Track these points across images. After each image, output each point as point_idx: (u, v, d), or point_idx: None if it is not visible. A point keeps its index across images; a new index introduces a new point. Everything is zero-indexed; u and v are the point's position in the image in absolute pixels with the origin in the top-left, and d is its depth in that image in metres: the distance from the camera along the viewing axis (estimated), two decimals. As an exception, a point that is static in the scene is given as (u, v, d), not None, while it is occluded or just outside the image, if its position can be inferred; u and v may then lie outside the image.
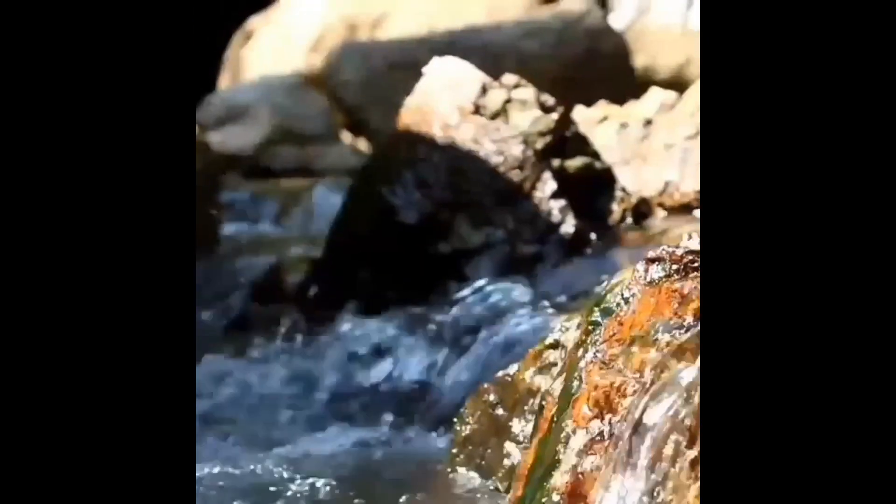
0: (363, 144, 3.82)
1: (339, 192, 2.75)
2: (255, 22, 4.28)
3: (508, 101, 1.78)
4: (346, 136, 3.87)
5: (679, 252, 1.00)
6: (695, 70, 3.48)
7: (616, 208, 1.74)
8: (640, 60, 3.99)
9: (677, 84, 3.98)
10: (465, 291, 1.63)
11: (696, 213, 1.76)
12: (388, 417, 1.45)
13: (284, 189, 3.05)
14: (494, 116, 1.77)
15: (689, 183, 1.79)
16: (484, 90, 1.80)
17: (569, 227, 1.67)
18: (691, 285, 0.92)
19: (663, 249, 1.01)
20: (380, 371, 1.56)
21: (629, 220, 1.74)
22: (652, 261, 1.01)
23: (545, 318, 1.49)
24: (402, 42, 3.73)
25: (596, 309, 1.03)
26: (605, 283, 1.55)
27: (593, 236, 1.69)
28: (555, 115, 1.78)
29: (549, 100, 1.80)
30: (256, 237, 2.58)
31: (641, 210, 1.75)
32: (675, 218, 1.76)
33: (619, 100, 3.67)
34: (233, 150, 3.46)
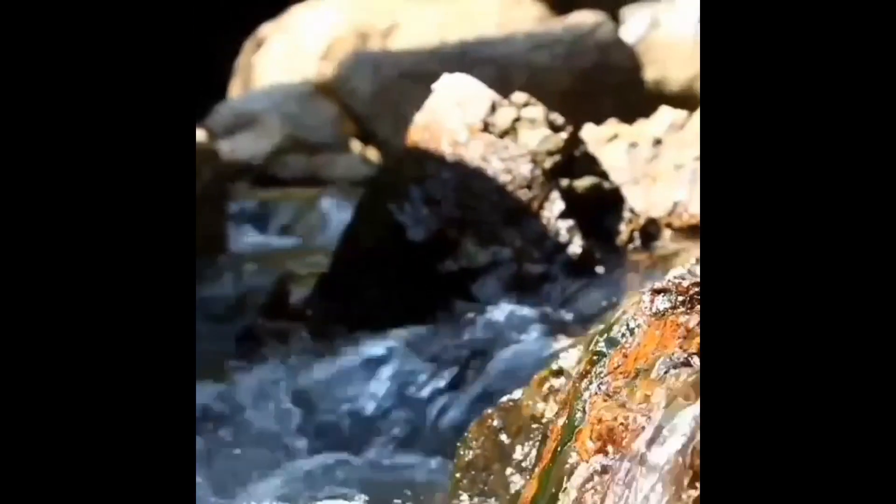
0: (373, 154, 3.82)
1: (347, 202, 2.76)
2: (267, 29, 4.29)
3: (517, 119, 1.78)
4: (356, 145, 3.87)
5: (685, 283, 0.99)
6: (706, 84, 3.47)
7: (624, 229, 1.74)
8: (651, 73, 3.98)
9: (688, 97, 3.98)
10: (472, 311, 1.63)
11: (705, 234, 1.75)
12: (392, 439, 1.45)
13: (293, 198, 3.05)
14: (503, 135, 1.77)
15: (697, 204, 1.78)
16: (493, 108, 1.80)
17: (576, 247, 1.67)
18: (697, 319, 0.91)
19: (669, 280, 1.01)
20: (384, 392, 1.55)
21: (637, 241, 1.73)
22: (657, 292, 1.01)
23: (551, 340, 1.49)
24: (413, 52, 3.74)
25: (600, 339, 1.03)
26: (611, 309, 1.55)
27: (600, 257, 1.69)
28: (564, 135, 1.78)
29: (559, 119, 1.80)
30: (265, 248, 2.58)
31: (649, 231, 1.75)
32: (683, 240, 1.75)
33: (630, 112, 3.67)
34: (242, 158, 3.47)
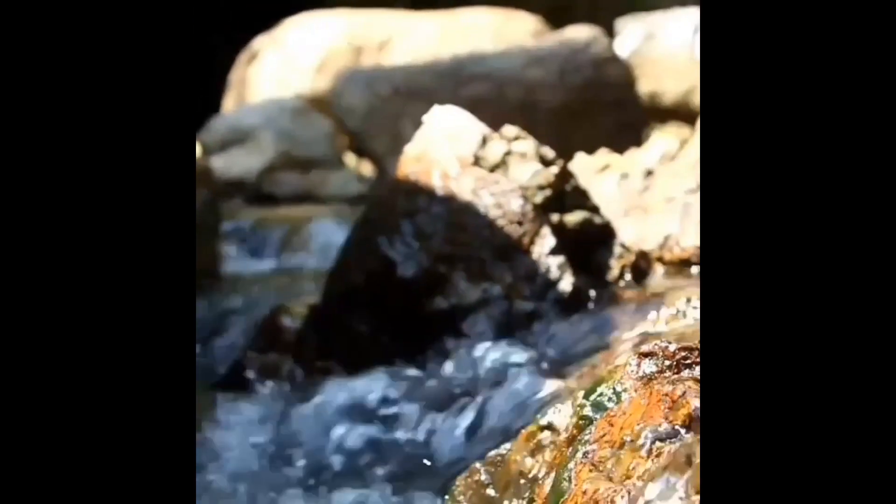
0: (367, 169, 3.82)
1: (341, 224, 2.75)
2: (261, 42, 4.28)
3: (508, 153, 1.77)
4: (351, 159, 3.87)
5: (672, 348, 0.99)
6: (700, 100, 3.46)
7: (615, 265, 1.73)
8: (645, 87, 3.98)
9: (684, 110, 3.98)
10: (462, 349, 1.62)
11: (695, 269, 1.75)
12: (378, 483, 1.44)
13: (287, 218, 3.05)
14: (494, 168, 1.77)
15: (689, 237, 1.78)
16: (484, 141, 1.79)
17: (567, 284, 1.66)
18: (683, 388, 0.91)
19: (656, 344, 1.01)
20: (374, 431, 1.55)
21: (628, 276, 1.73)
22: (644, 355, 1.00)
23: (541, 381, 1.48)
24: (408, 68, 3.73)
25: (587, 402, 1.02)
26: (602, 348, 1.55)
27: (591, 294, 1.68)
28: (554, 169, 1.77)
29: (549, 153, 1.79)
30: (257, 273, 2.57)
31: (640, 266, 1.74)
32: (674, 275, 1.75)
33: (624, 130, 3.67)
34: (236, 175, 3.47)
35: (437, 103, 3.63)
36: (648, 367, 0.99)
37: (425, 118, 1.87)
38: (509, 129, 1.81)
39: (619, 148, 3.29)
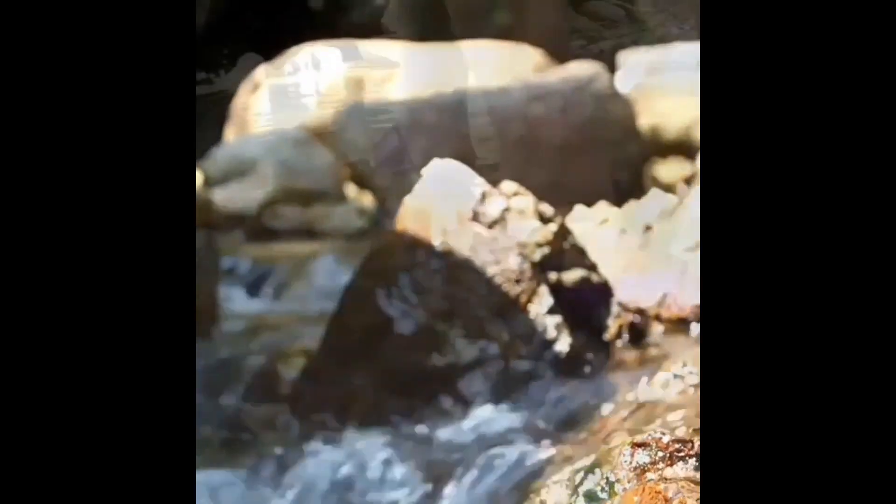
0: (369, 201, 3.82)
1: (342, 263, 2.75)
2: (263, 72, 4.29)
3: (507, 209, 1.77)
4: (352, 192, 3.87)
5: (665, 440, 0.98)
6: (702, 138, 3.46)
7: (612, 324, 1.73)
8: (647, 120, 3.99)
9: (685, 145, 3.97)
10: (459, 410, 1.62)
11: (693, 327, 1.74)
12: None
13: (287, 255, 3.04)
14: (492, 225, 1.76)
15: (687, 296, 1.77)
16: (483, 197, 1.79)
17: (564, 345, 1.66)
18: (676, 488, 0.90)
19: (650, 435, 1.00)
20: (368, 493, 1.54)
21: (625, 336, 1.72)
22: (638, 445, 1.00)
23: (537, 446, 1.48)
24: (410, 101, 3.73)
25: (579, 493, 1.01)
26: (597, 411, 1.54)
27: (589, 356, 1.67)
28: (553, 226, 1.77)
29: (548, 210, 1.79)
30: (255, 316, 2.56)
31: (638, 326, 1.74)
32: (672, 333, 1.74)
33: (625, 166, 3.67)
34: (236, 208, 3.47)
35: (439, 137, 3.63)
36: (642, 457, 0.98)
37: (424, 171, 1.87)
38: (508, 185, 1.81)
39: (619, 187, 3.29)
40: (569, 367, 1.65)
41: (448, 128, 3.57)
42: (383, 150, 3.58)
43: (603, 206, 2.06)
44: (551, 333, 1.67)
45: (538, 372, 1.65)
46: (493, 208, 1.78)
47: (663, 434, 0.99)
